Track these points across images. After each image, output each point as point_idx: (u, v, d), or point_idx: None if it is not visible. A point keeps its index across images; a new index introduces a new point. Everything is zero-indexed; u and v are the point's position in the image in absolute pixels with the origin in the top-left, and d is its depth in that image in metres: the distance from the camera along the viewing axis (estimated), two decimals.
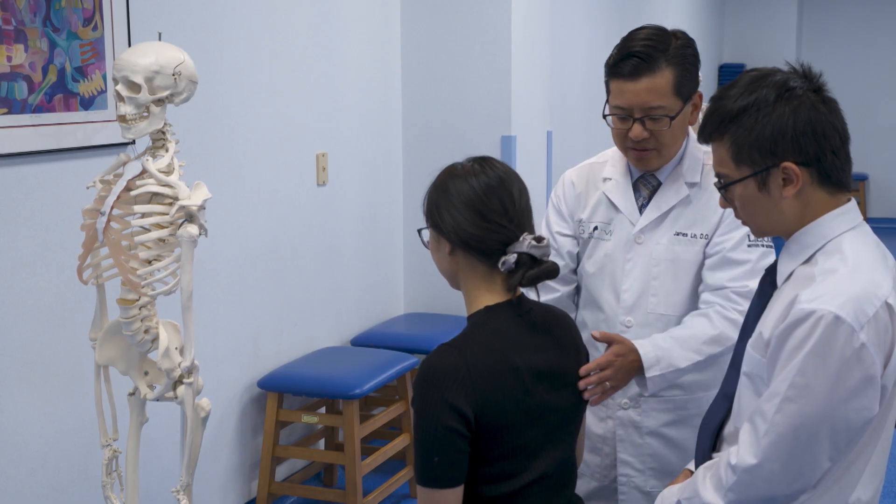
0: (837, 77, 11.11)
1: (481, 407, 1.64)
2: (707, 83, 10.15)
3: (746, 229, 2.09)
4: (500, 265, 1.70)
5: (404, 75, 4.64)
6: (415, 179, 4.57)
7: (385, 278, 4.62)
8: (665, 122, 2.12)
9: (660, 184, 2.25)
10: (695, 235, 2.20)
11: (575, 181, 2.36)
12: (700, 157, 2.25)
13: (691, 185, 2.22)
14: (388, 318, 4.62)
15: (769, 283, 1.75)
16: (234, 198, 3.54)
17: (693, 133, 2.21)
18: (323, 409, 3.99)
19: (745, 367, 1.70)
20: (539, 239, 1.70)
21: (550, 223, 2.38)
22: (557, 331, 1.82)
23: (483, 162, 1.76)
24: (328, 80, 4.09)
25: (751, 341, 1.69)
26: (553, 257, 2.32)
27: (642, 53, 2.08)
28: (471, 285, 1.75)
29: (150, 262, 2.22)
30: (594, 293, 2.30)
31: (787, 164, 1.61)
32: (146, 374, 2.38)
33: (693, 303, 2.20)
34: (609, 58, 2.15)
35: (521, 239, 1.70)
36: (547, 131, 4.97)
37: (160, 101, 2.19)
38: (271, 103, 3.73)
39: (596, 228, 2.30)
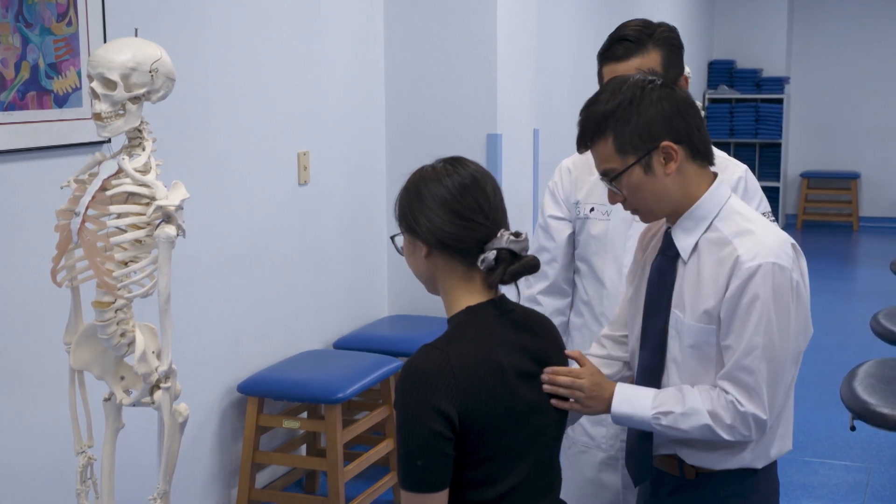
0: (828, 74, 11.19)
1: (466, 408, 1.65)
2: (697, 80, 10.19)
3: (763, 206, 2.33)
4: (479, 263, 1.72)
5: (387, 72, 4.64)
6: (398, 179, 4.50)
7: (368, 279, 4.62)
8: None
9: None
10: None
11: (571, 167, 2.52)
12: None
13: None
14: (372, 320, 4.61)
15: (668, 262, 1.95)
16: (212, 198, 3.53)
17: None
18: (305, 414, 3.98)
19: (689, 341, 1.90)
20: (517, 234, 1.73)
21: (545, 208, 2.52)
22: (541, 330, 1.83)
23: (455, 162, 1.78)
24: (309, 77, 4.09)
25: (690, 317, 1.89)
26: (546, 241, 2.49)
27: (632, 37, 2.29)
28: (450, 286, 1.76)
29: (126, 264, 2.21)
30: (596, 269, 2.43)
31: (666, 142, 1.86)
32: (122, 378, 2.37)
33: None
34: (601, 48, 2.35)
35: (498, 235, 1.72)
36: (534, 129, 4.97)
37: (136, 99, 2.18)
38: (251, 101, 3.73)
39: (592, 209, 2.43)
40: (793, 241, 1.92)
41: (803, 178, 11.23)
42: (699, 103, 7.00)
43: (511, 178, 4.65)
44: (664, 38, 2.31)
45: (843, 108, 11.18)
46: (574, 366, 1.93)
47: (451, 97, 4.55)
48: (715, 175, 1.95)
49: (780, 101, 10.70)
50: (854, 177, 11.08)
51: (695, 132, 1.89)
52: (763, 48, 11.02)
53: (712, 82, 11.01)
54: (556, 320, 2.49)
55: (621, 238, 2.39)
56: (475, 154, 4.63)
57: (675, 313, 1.93)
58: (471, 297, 1.75)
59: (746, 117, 10.71)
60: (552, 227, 2.50)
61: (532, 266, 1.73)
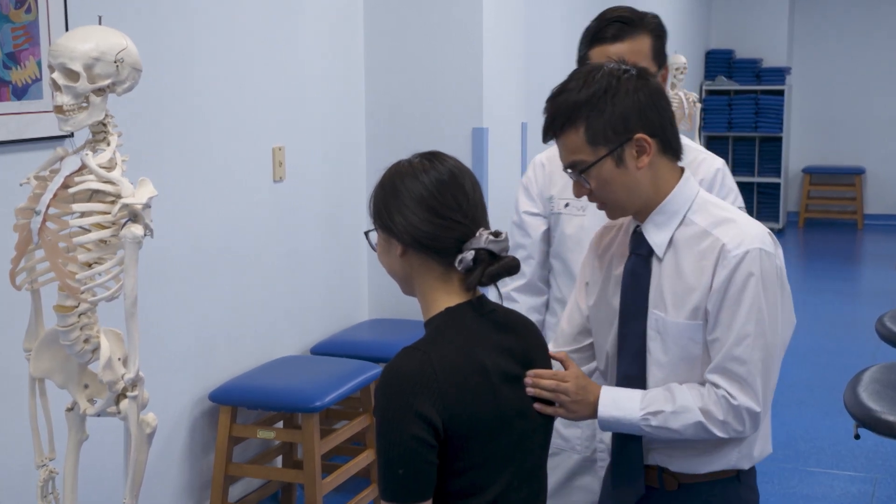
0: (832, 64, 11.24)
1: (450, 413, 1.65)
2: (693, 71, 10.21)
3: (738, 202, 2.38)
4: (457, 264, 1.72)
5: (368, 62, 4.64)
6: (379, 175, 4.56)
7: (347, 281, 4.62)
8: None
9: None
10: None
11: (545, 162, 2.58)
12: None
13: None
14: (352, 324, 4.61)
15: (641, 261, 1.97)
16: (182, 195, 3.53)
17: None
18: (280, 424, 3.98)
19: (674, 340, 1.93)
20: (496, 233, 1.74)
21: (519, 204, 2.58)
22: (523, 331, 1.85)
23: (432, 157, 1.78)
24: (285, 67, 4.08)
25: (674, 315, 1.91)
26: (522, 237, 2.55)
27: (625, 18, 2.35)
28: (427, 288, 1.77)
29: (90, 266, 2.21)
30: (571, 267, 2.47)
31: (640, 135, 1.89)
32: (86, 387, 2.36)
33: None
34: (587, 30, 2.40)
35: (477, 234, 1.73)
36: (522, 122, 4.98)
37: (101, 91, 2.17)
38: (223, 92, 3.72)
39: (567, 205, 2.48)
40: (769, 230, 1.99)
41: (805, 173, 11.29)
42: (695, 95, 7.04)
43: (498, 173, 4.65)
44: (655, 25, 2.38)
45: (848, 100, 11.25)
46: (559, 368, 1.94)
47: (434, 89, 4.56)
48: (682, 170, 1.99)
49: (781, 93, 10.75)
50: (859, 172, 11.15)
51: (668, 125, 1.93)
52: (763, 37, 11.06)
53: (710, 73, 11.05)
54: (532, 318, 2.49)
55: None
56: (460, 149, 4.64)
57: (656, 314, 1.95)
58: (449, 298, 1.76)
59: (746, 110, 10.75)
60: (527, 224, 2.56)
61: (512, 267, 1.74)
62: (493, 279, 1.73)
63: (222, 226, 3.76)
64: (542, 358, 1.87)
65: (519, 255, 2.52)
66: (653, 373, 1.97)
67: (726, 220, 1.93)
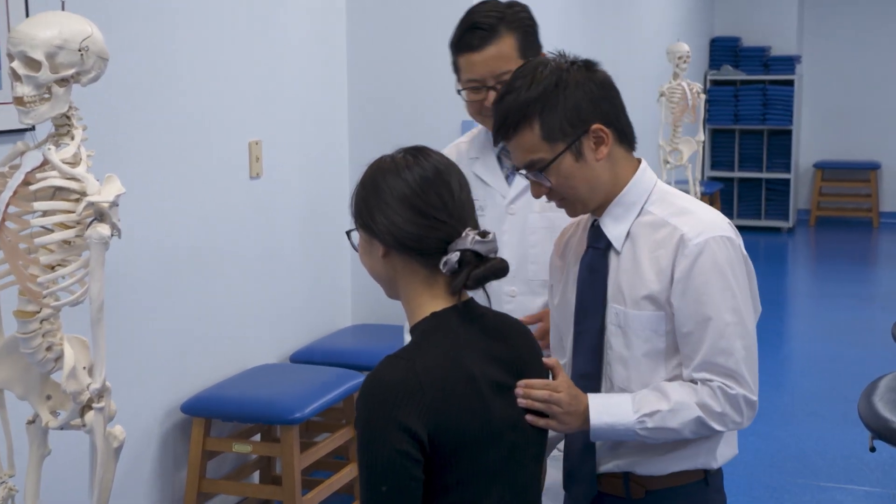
0: (845, 52, 11.27)
1: (436, 425, 1.65)
2: (697, 59, 10.23)
3: None
4: (441, 266, 1.73)
5: (351, 51, 4.64)
6: (362, 171, 4.56)
7: (329, 284, 4.62)
8: None
9: None
10: None
11: None
12: None
13: None
14: (333, 330, 4.61)
15: (599, 255, 2.04)
16: (152, 193, 3.52)
17: None
18: (257, 437, 3.97)
19: (636, 334, 1.99)
20: (483, 234, 1.74)
21: None
22: (515, 338, 1.85)
23: (417, 152, 1.79)
24: (262, 56, 4.08)
25: (633, 307, 1.98)
26: None
27: (483, 24, 2.47)
28: (412, 292, 1.78)
29: (53, 268, 2.20)
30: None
31: (596, 125, 1.96)
32: (49, 398, 2.35)
33: None
34: (452, 37, 2.54)
35: (463, 235, 1.73)
36: None
37: (64, 81, 2.17)
38: (196, 83, 3.71)
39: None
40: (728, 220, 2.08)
41: (817, 168, 11.32)
42: (699, 85, 7.06)
43: None
44: (516, 21, 2.49)
45: (862, 90, 11.28)
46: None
47: (421, 80, 4.56)
48: (639, 161, 2.08)
49: (790, 83, 10.77)
50: (874, 167, 11.19)
51: (621, 114, 2.02)
52: (771, 23, 11.09)
53: (715, 62, 11.08)
54: None
55: (497, 233, 2.54)
56: (449, 143, 4.63)
57: (615, 308, 2.02)
58: (435, 302, 1.76)
59: (753, 101, 10.78)
60: None
61: (500, 270, 1.75)
62: (479, 282, 1.74)
63: (195, 225, 3.75)
64: (534, 366, 1.88)
65: None
66: (616, 370, 2.03)
67: (684, 209, 2.02)
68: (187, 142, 3.69)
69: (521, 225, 2.53)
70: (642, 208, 2.03)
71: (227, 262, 3.94)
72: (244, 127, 4.01)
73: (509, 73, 2.44)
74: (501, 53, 2.46)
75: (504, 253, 2.39)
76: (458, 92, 2.58)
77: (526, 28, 2.52)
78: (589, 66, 2.00)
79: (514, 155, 2.00)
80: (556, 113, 1.94)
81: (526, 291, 2.53)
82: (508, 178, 2.59)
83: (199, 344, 3.82)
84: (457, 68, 2.55)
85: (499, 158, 2.61)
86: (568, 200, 2.02)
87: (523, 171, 2.01)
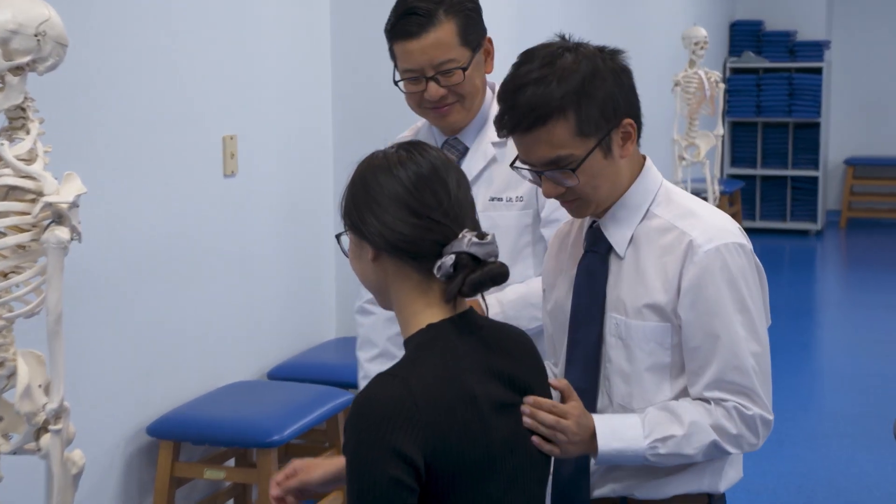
0: (878, 40, 11.28)
1: (433, 450, 1.65)
2: (716, 45, 10.25)
3: None
4: (435, 270, 1.73)
5: (335, 38, 4.64)
6: (349, 168, 4.54)
7: (311, 293, 4.61)
8: (458, 75, 2.55)
9: (467, 149, 2.68)
10: (510, 199, 2.63)
11: None
12: None
13: (497, 144, 2.62)
14: (316, 343, 4.61)
15: (598, 259, 2.07)
16: (115, 193, 3.52)
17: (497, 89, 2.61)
18: (231, 462, 3.97)
19: (639, 346, 2.01)
20: (481, 235, 1.74)
21: None
22: (518, 352, 1.85)
23: (411, 148, 1.80)
24: (238, 43, 4.08)
25: (635, 317, 2.01)
26: None
27: (420, 10, 2.51)
28: (405, 299, 1.78)
29: (5, 276, 2.20)
30: None
31: (628, 119, 2.00)
32: (0, 419, 2.35)
33: (516, 268, 2.43)
34: (387, 23, 2.58)
35: (459, 237, 1.73)
36: None
37: (19, 69, 2.17)
38: (164, 72, 3.71)
39: None
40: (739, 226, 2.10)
41: (848, 165, 11.35)
42: (718, 74, 7.07)
43: None
44: (457, 5, 2.53)
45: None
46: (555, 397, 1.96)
47: None
48: (643, 158, 2.10)
49: (818, 71, 10.80)
50: None
51: (640, 108, 2.05)
52: (798, 5, 11.12)
53: (735, 48, 11.11)
54: (392, 330, 2.69)
55: None
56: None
57: (615, 318, 2.04)
58: (430, 312, 1.77)
59: (777, 91, 10.81)
60: None
61: (498, 275, 1.75)
62: (475, 289, 1.73)
63: (163, 229, 3.75)
64: (539, 384, 1.88)
65: None
66: (616, 385, 2.05)
67: (691, 212, 2.04)
68: (154, 136, 3.69)
69: None
70: (647, 210, 2.06)
71: (198, 270, 3.93)
72: (217, 120, 4.01)
73: (450, 62, 2.53)
74: (441, 41, 2.50)
75: None
76: (396, 83, 2.62)
77: (467, 12, 2.55)
78: (615, 53, 2.02)
79: (533, 150, 1.99)
80: (593, 105, 1.95)
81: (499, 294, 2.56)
82: None
83: (167, 359, 3.82)
84: (393, 57, 2.59)
85: None
86: (583, 201, 2.03)
87: (545, 169, 1.99)
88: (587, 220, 2.11)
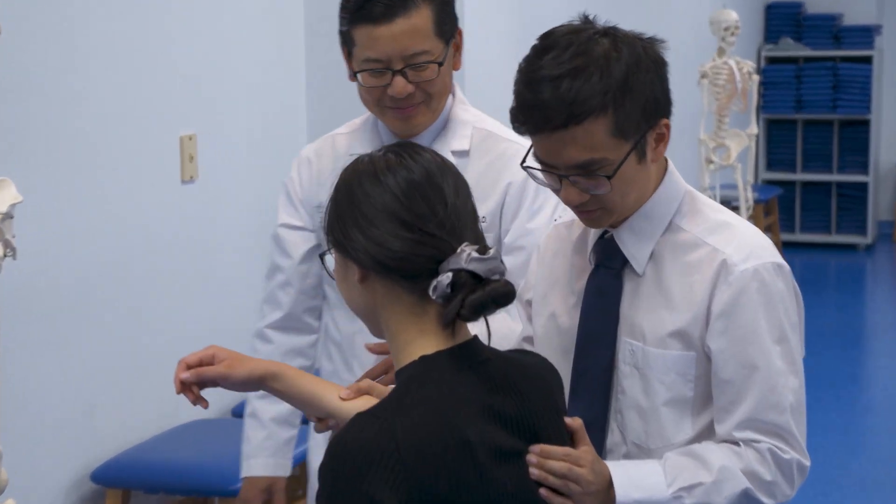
0: None
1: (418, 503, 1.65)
2: (749, 30, 10.26)
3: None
4: (430, 291, 1.72)
5: (309, 28, 4.65)
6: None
7: None
8: (431, 70, 2.49)
9: None
10: None
11: (312, 158, 2.75)
12: (468, 118, 2.66)
13: (460, 153, 2.59)
14: None
15: (611, 276, 2.07)
16: (56, 202, 3.52)
17: (458, 91, 2.62)
18: None
19: (658, 377, 2.01)
20: (483, 249, 1.72)
21: (279, 214, 2.78)
22: (529, 391, 1.83)
23: (402, 151, 1.79)
24: (198, 30, 4.08)
25: (655, 344, 2.01)
26: (280, 257, 2.75)
27: None
28: (396, 325, 1.77)
29: None
30: None
31: (665, 119, 2.01)
32: None
33: None
34: (352, 3, 2.50)
35: (458, 251, 1.72)
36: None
37: None
38: (113, 64, 3.72)
39: None
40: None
41: None
42: (751, 64, 7.07)
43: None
44: None
45: None
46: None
47: None
48: (666, 161, 2.11)
49: (867, 60, 10.82)
50: None
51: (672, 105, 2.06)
52: None
53: (771, 34, 11.13)
54: (296, 363, 2.68)
55: None
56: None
57: (631, 343, 2.04)
58: (425, 340, 1.76)
59: (820, 83, 10.82)
60: (286, 240, 2.75)
61: (503, 295, 1.72)
62: (476, 311, 1.72)
63: (111, 243, 3.75)
64: (552, 428, 1.85)
65: (276, 280, 2.76)
66: (630, 421, 2.05)
67: (723, 224, 2.06)
68: (102, 138, 3.69)
69: None
70: (670, 222, 2.06)
71: (152, 290, 3.93)
72: (174, 118, 4.01)
73: (423, 55, 2.47)
74: (415, 29, 2.45)
75: None
76: (354, 75, 2.56)
77: (443, 0, 2.52)
78: (657, 43, 2.03)
79: (561, 152, 1.96)
80: (636, 103, 1.95)
81: None
82: None
83: (116, 394, 3.81)
84: (350, 42, 2.53)
85: None
86: (607, 211, 2.02)
87: (572, 173, 1.97)
88: (595, 231, 2.10)
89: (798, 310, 2.05)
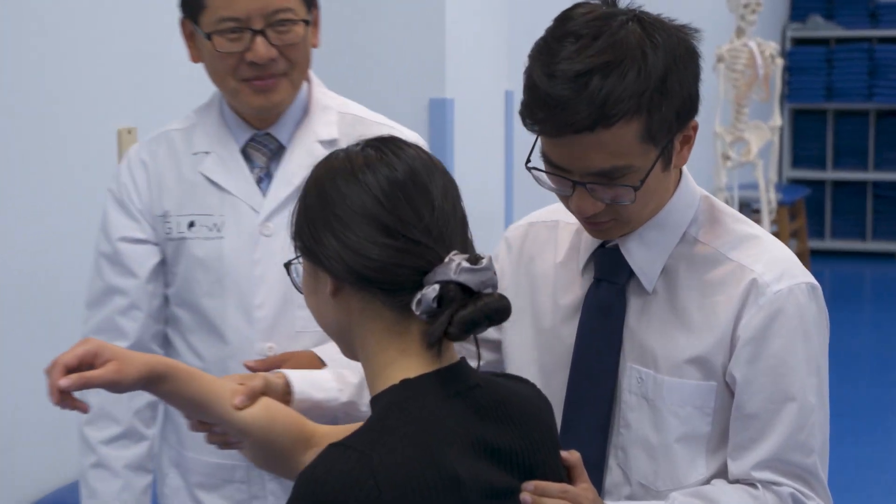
0: None
1: None
2: (773, 6, 10.27)
3: None
4: (413, 306, 1.71)
5: None
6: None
7: None
8: (297, 32, 2.50)
9: (282, 148, 2.62)
10: None
11: (147, 160, 2.65)
12: (330, 103, 2.69)
13: (328, 143, 2.58)
14: None
15: (615, 293, 2.05)
16: None
17: (313, 76, 2.63)
18: None
19: (673, 410, 2.00)
20: (475, 258, 1.72)
21: (111, 227, 2.64)
22: (523, 421, 1.84)
23: (383, 146, 1.79)
24: (138, 12, 4.09)
25: (669, 372, 2.00)
26: (118, 277, 2.62)
27: None
28: (374, 346, 1.78)
29: None
30: (212, 317, 2.56)
31: (694, 122, 2.02)
32: None
33: None
34: None
35: (446, 261, 1.72)
36: (505, 91, 5.05)
37: None
38: (39, 49, 3.72)
39: (192, 224, 2.57)
40: None
41: None
42: (775, 46, 7.07)
43: (469, 164, 4.70)
44: None
45: None
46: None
47: (377, 48, 4.66)
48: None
49: None
50: None
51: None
52: None
53: (798, 12, 11.15)
54: (139, 403, 2.60)
55: (246, 265, 2.56)
56: (412, 127, 4.60)
57: (638, 371, 2.03)
58: (406, 362, 1.76)
59: (854, 69, 10.83)
60: (128, 256, 2.63)
61: (497, 310, 1.73)
62: (466, 329, 1.71)
63: (37, 251, 3.74)
64: (548, 462, 1.87)
65: (115, 304, 2.62)
66: (636, 459, 2.04)
67: (749, 237, 2.07)
68: (27, 130, 3.69)
69: (281, 252, 2.42)
70: (685, 232, 2.06)
71: (76, 309, 3.92)
72: (111, 109, 4.02)
73: (287, 13, 2.46)
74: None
75: (259, 295, 2.51)
76: (207, 37, 2.49)
77: None
78: (693, 32, 2.03)
79: (583, 157, 1.95)
80: (672, 105, 1.95)
81: (289, 348, 2.52)
82: (261, 182, 2.61)
83: (41, 429, 3.81)
84: (199, 6, 2.50)
85: (244, 152, 2.62)
86: (621, 222, 2.02)
87: (593, 181, 1.96)
88: (590, 238, 2.09)
89: (825, 329, 2.05)
